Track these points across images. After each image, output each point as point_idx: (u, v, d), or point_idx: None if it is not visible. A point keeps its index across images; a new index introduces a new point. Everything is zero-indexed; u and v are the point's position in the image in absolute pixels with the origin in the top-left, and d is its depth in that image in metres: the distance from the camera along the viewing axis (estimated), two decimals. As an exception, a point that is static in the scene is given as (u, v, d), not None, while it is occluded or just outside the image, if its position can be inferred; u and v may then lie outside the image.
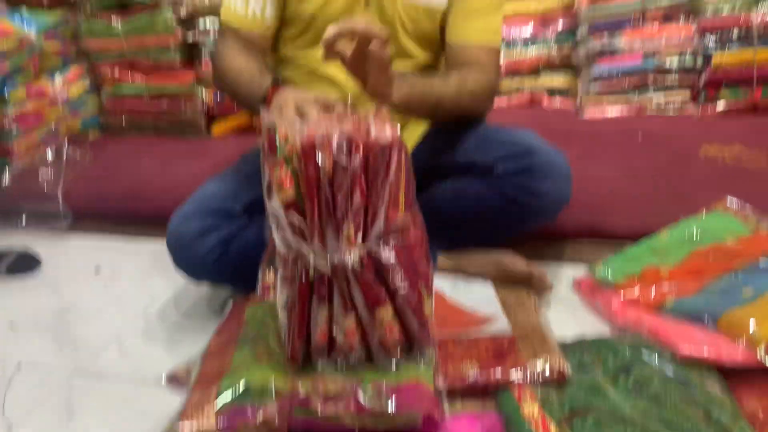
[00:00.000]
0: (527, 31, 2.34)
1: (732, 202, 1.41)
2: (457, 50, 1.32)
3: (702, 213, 1.41)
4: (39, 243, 1.80)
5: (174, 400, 1.09)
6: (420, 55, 1.36)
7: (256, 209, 1.30)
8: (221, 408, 0.89)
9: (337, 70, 1.34)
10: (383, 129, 0.92)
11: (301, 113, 1.01)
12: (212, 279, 1.31)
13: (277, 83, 1.18)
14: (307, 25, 1.33)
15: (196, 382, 0.99)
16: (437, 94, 1.24)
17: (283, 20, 1.35)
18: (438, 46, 1.37)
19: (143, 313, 1.46)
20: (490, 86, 1.32)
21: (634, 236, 1.40)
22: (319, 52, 1.31)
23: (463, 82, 1.27)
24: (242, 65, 1.28)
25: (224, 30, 1.35)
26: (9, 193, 1.97)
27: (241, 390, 0.91)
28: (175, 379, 1.10)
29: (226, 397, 0.91)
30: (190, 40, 2.25)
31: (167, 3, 2.21)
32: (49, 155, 2.08)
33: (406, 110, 1.23)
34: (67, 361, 1.29)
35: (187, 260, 1.26)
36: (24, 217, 1.89)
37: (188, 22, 2.25)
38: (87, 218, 1.92)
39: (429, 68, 1.39)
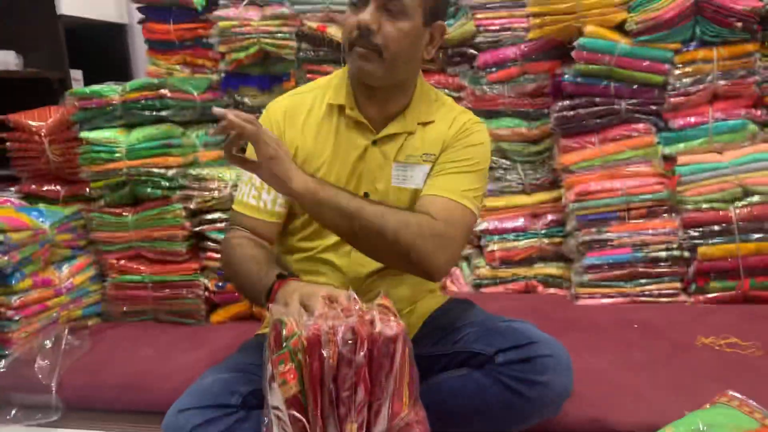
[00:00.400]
0: (518, 223, 2.46)
1: (735, 394, 1.39)
2: (420, 201, 1.35)
3: (706, 406, 1.39)
4: (26, 437, 1.74)
5: None
6: None
7: (253, 402, 1.29)
8: None
9: (338, 257, 1.41)
10: (387, 321, 0.95)
11: (306, 307, 1.04)
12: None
13: (283, 277, 1.22)
14: (310, 218, 1.40)
15: None
16: (357, 206, 1.22)
17: (289, 213, 1.44)
18: None
19: None
20: (438, 232, 1.26)
21: (639, 431, 1.37)
22: (321, 241, 1.41)
23: (398, 213, 1.26)
24: (249, 256, 1.33)
25: (235, 220, 1.43)
26: (1, 383, 1.93)
27: None
28: None
29: None
30: (197, 229, 2.34)
31: (178, 198, 2.33)
32: (47, 344, 2.07)
33: (316, 212, 1.23)
34: None
35: (182, 456, 1.21)
36: (14, 409, 1.84)
37: (197, 214, 2.35)
38: (79, 409, 1.87)
39: None
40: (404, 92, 1.39)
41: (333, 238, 1.41)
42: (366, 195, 1.40)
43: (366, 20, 1.25)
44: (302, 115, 1.42)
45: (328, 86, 1.44)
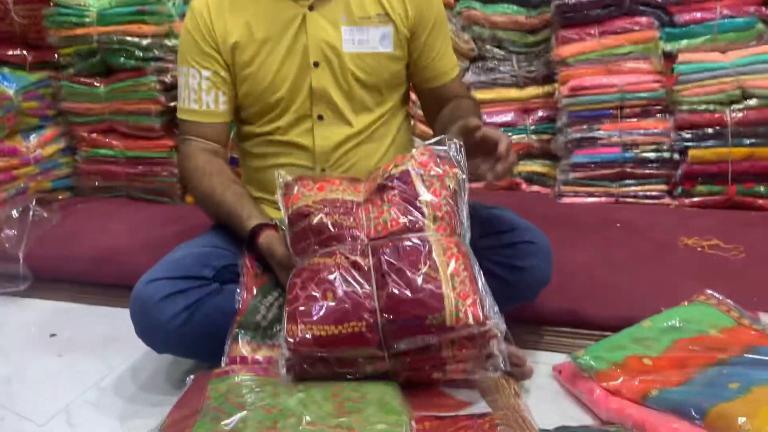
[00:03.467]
0: (508, 118, 2.38)
1: (713, 294, 1.39)
2: (440, 91, 1.44)
3: (684, 303, 1.38)
4: (-7, 305, 1.72)
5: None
6: (377, 107, 1.39)
7: (227, 277, 1.26)
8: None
9: (300, 136, 1.36)
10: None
11: None
12: (175, 347, 1.24)
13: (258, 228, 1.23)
14: (266, 100, 1.35)
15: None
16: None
17: (241, 103, 1.38)
18: (391, 94, 1.41)
19: (96, 384, 1.37)
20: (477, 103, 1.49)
21: (614, 325, 1.36)
22: (280, 122, 1.36)
23: (475, 113, 1.34)
24: (215, 184, 1.31)
25: (183, 129, 1.39)
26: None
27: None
28: (125, 456, 1.00)
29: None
30: (172, 104, 2.23)
31: (152, 69, 2.21)
32: (14, 214, 2.00)
33: None
34: (8, 432, 1.19)
35: (150, 325, 1.19)
36: (-20, 277, 1.81)
37: (172, 89, 2.24)
38: (48, 281, 1.84)
39: (387, 118, 1.42)
40: None
41: (291, 117, 1.35)
42: (316, 65, 1.32)
43: None
44: (226, 2, 1.33)
45: None
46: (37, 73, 2.31)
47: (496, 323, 1.03)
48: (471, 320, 0.99)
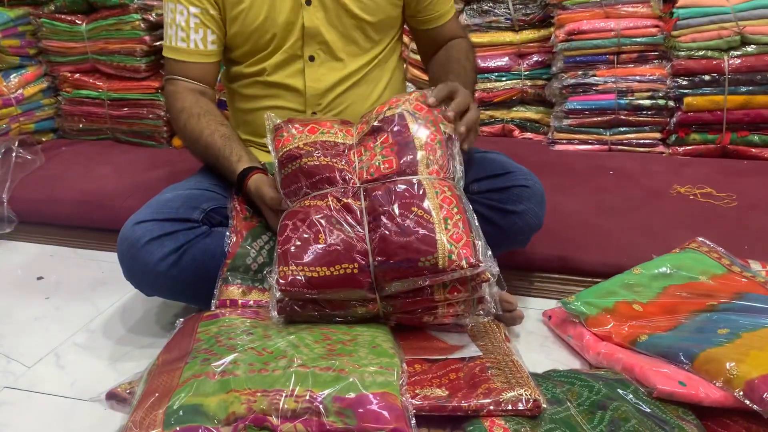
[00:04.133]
0: (502, 62, 2.33)
1: (704, 241, 1.38)
2: (436, 33, 1.42)
3: (675, 250, 1.38)
4: (-22, 247, 1.69)
5: (113, 419, 1.00)
6: (371, 48, 1.36)
7: (216, 219, 1.24)
8: (168, 429, 0.80)
9: (290, 78, 1.33)
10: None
11: None
12: (164, 290, 1.22)
13: (247, 172, 1.21)
14: (256, 40, 1.31)
15: (141, 399, 0.90)
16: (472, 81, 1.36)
17: (230, 43, 1.34)
18: (385, 35, 1.38)
19: (85, 326, 1.36)
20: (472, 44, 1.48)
21: (605, 272, 1.37)
22: (269, 62, 1.32)
23: (468, 58, 1.39)
24: (202, 126, 1.27)
25: (169, 69, 1.34)
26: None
27: (190, 409, 0.82)
28: (114, 397, 1.00)
29: (173, 417, 0.82)
30: (157, 44, 2.16)
31: (136, 7, 2.13)
32: (-3, 156, 1.96)
33: None
34: (-4, 373, 1.19)
35: (138, 267, 1.17)
36: (-36, 219, 1.78)
37: (158, 28, 2.16)
38: (33, 224, 1.81)
39: (380, 60, 1.39)
40: None
41: (280, 57, 1.31)
42: (308, 2, 1.28)
43: None
44: None
45: None
46: (17, 9, 2.22)
47: (489, 267, 1.02)
48: (463, 263, 0.98)
